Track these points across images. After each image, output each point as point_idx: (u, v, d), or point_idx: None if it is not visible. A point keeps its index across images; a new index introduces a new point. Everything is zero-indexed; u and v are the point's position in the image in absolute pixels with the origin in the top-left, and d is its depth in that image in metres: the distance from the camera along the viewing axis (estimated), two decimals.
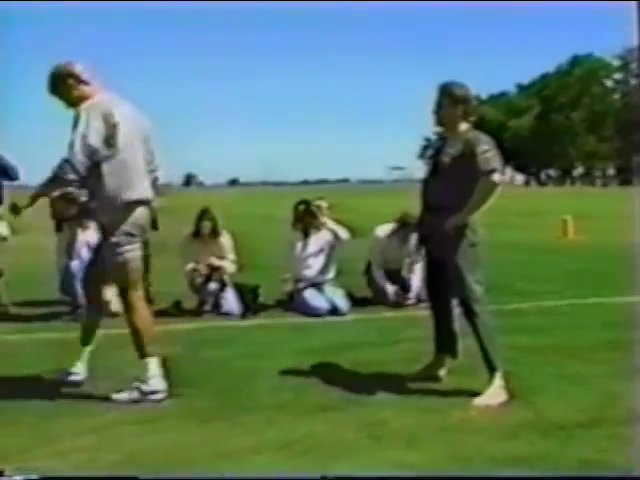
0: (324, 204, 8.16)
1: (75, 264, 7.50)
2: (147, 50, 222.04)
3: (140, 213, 4.65)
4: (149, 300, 6.18)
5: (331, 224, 7.83)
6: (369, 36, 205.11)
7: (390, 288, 7.92)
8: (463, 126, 4.72)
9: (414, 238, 6.74)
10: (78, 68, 4.69)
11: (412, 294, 7.84)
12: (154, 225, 7.49)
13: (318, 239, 7.82)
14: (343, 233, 7.81)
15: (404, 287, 7.94)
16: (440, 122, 4.80)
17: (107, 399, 4.51)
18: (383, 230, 8.09)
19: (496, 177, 4.52)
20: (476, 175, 4.50)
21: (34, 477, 3.22)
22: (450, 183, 4.61)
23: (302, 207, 7.98)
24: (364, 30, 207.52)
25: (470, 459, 3.56)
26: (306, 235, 7.82)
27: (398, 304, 7.83)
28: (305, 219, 7.86)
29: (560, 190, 76.18)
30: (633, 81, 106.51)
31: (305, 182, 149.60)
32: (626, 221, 23.08)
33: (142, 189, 4.66)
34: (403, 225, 7.77)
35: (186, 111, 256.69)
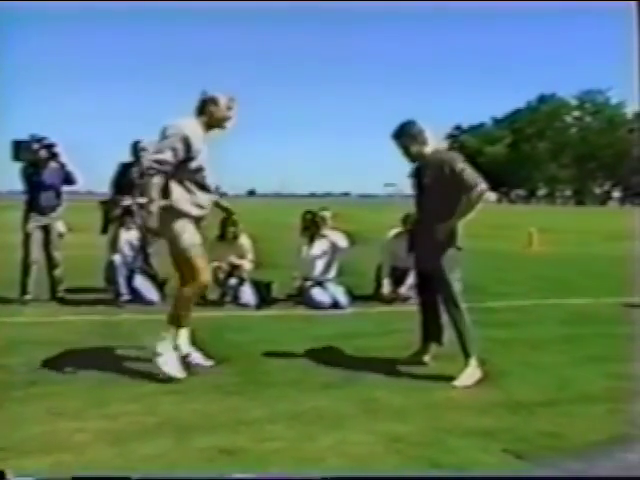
0: (328, 214, 8.13)
1: (117, 258, 7.55)
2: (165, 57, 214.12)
3: None
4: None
5: (332, 235, 7.80)
6: (368, 62, 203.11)
7: (387, 286, 7.81)
8: (428, 150, 4.71)
9: None
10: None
11: (403, 289, 7.83)
12: None
13: (322, 244, 7.83)
14: (342, 242, 7.80)
15: (399, 284, 7.96)
16: (412, 159, 4.79)
17: (146, 372, 4.54)
18: (392, 232, 8.10)
19: (483, 186, 4.51)
20: (458, 190, 4.50)
21: (30, 479, 3.04)
22: (435, 199, 4.62)
23: (309, 216, 7.98)
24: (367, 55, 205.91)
25: (449, 431, 3.58)
26: (312, 240, 7.84)
27: (393, 300, 7.77)
28: (311, 227, 7.88)
29: (527, 207, 75.93)
30: (588, 118, 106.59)
31: (313, 195, 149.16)
32: (581, 235, 23.12)
33: None
34: (409, 228, 7.78)
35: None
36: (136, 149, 7.86)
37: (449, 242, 4.59)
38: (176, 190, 4.46)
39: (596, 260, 13.87)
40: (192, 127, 4.49)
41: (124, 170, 7.89)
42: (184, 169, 4.44)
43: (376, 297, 7.89)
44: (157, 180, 4.36)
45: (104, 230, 8.00)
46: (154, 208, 4.35)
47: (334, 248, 7.78)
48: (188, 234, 4.49)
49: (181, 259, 4.53)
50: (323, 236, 7.79)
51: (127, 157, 8.00)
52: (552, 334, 6.18)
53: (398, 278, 7.89)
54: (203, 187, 4.56)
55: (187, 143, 4.40)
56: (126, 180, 7.77)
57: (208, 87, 4.67)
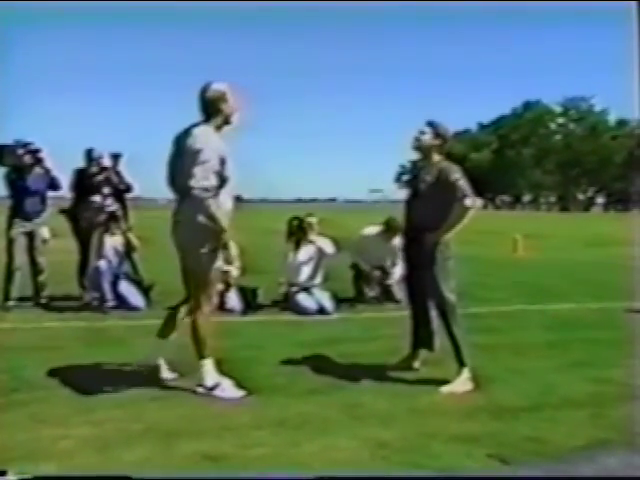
0: (314, 220, 8.15)
1: (103, 264, 7.52)
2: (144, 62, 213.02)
3: None
4: None
5: (319, 241, 7.83)
6: (353, 72, 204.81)
7: (367, 288, 8.19)
8: (436, 157, 4.78)
9: (397, 241, 6.92)
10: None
11: (393, 278, 8.07)
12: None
13: (308, 250, 7.84)
14: (329, 248, 7.82)
15: (382, 285, 8.18)
16: (417, 147, 4.82)
17: (131, 378, 4.53)
18: (370, 230, 8.25)
19: (469, 202, 4.56)
20: (450, 199, 4.56)
21: (27, 477, 3.06)
22: (428, 206, 4.66)
23: (295, 222, 8.00)
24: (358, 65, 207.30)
25: (434, 436, 3.60)
26: (298, 246, 7.85)
27: (377, 300, 8.08)
28: (298, 233, 7.90)
29: (512, 213, 76.28)
30: (572, 125, 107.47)
31: (299, 200, 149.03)
32: (565, 240, 23.28)
33: None
34: (388, 229, 7.93)
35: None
36: (89, 156, 8.04)
37: (439, 252, 4.62)
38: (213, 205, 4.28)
39: (580, 266, 13.98)
40: (218, 140, 4.29)
41: (79, 176, 8.05)
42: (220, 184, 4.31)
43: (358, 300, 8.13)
44: (214, 204, 4.21)
45: (78, 236, 7.98)
46: (225, 227, 4.25)
47: (320, 254, 7.80)
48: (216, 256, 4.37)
49: (200, 279, 4.38)
50: (310, 242, 7.81)
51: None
52: (536, 339, 6.23)
53: (365, 277, 8.21)
54: (222, 200, 4.36)
55: (224, 162, 4.25)
56: (84, 185, 7.93)
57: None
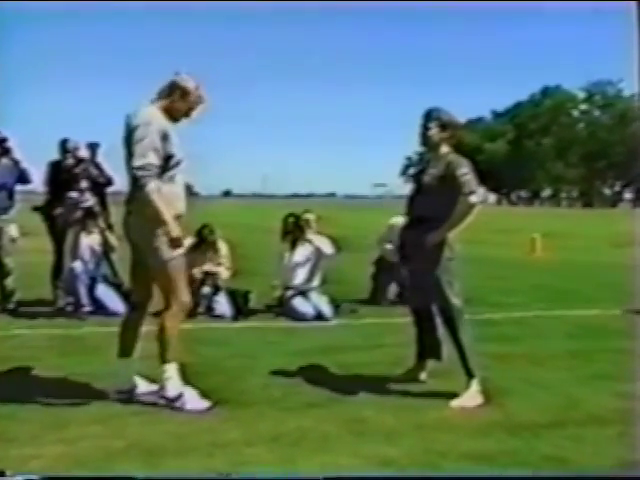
0: (312, 217, 8.17)
1: (78, 266, 7.53)
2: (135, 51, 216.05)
3: None
4: None
5: (317, 240, 7.86)
6: (358, 60, 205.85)
7: (392, 289, 8.31)
8: (445, 148, 4.79)
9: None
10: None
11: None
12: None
13: (305, 250, 7.85)
14: (327, 248, 7.84)
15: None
16: (425, 143, 4.86)
17: (111, 391, 4.54)
18: (398, 220, 8.20)
19: (474, 198, 4.58)
20: (456, 194, 4.57)
21: (34, 477, 3.18)
22: (433, 201, 4.67)
23: (291, 220, 8.02)
24: (357, 53, 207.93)
25: (444, 455, 3.61)
26: (294, 246, 7.87)
27: (395, 303, 8.07)
28: (295, 232, 7.91)
29: (529, 210, 76.54)
30: (597, 112, 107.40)
31: (295, 195, 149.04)
32: (589, 240, 23.33)
33: None
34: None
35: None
36: (64, 147, 7.96)
37: (442, 251, 4.64)
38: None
39: (605, 268, 14.01)
40: (158, 116, 4.37)
41: (54, 169, 8.00)
42: (163, 167, 4.35)
43: (374, 301, 8.29)
44: (152, 186, 4.23)
45: (53, 236, 7.97)
46: (168, 217, 4.25)
47: (318, 254, 7.82)
48: (167, 245, 4.35)
49: (160, 274, 4.43)
50: (307, 241, 7.82)
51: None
52: (556, 349, 6.25)
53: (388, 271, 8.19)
54: (178, 183, 4.46)
55: (164, 137, 4.32)
56: (60, 179, 7.88)
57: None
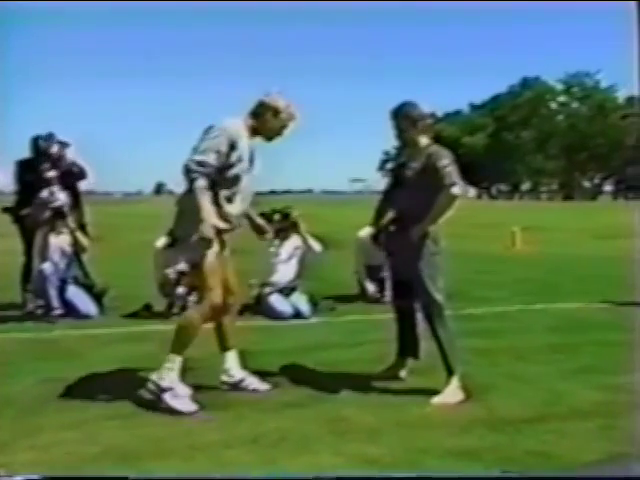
0: (295, 213, 8.18)
1: (48, 267, 7.46)
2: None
3: None
4: None
5: (309, 239, 7.93)
6: (335, 51, 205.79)
7: (370, 286, 8.54)
8: (423, 141, 4.80)
9: None
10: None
11: (387, 292, 8.00)
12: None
13: (288, 247, 7.88)
14: (317, 246, 7.92)
15: (383, 284, 8.24)
16: (405, 144, 4.88)
17: (84, 395, 4.51)
18: (365, 232, 8.29)
19: (456, 190, 4.59)
20: (438, 187, 4.58)
21: (35, 477, 3.19)
22: (414, 195, 4.66)
23: (277, 217, 8.00)
24: (334, 44, 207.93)
25: (426, 452, 3.63)
26: (278, 243, 7.87)
27: (377, 301, 8.30)
28: (289, 229, 7.90)
29: (510, 204, 76.95)
30: (575, 104, 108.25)
31: (272, 192, 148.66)
32: (570, 233, 23.55)
33: None
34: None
35: (155, 120, 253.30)
36: (36, 145, 7.86)
37: (425, 246, 4.66)
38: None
39: (587, 260, 14.17)
40: (239, 129, 4.50)
41: (24, 168, 7.90)
42: (220, 176, 4.42)
43: (363, 299, 8.52)
44: (202, 183, 4.32)
45: (23, 237, 7.89)
46: (207, 215, 4.30)
47: (303, 251, 7.83)
48: (212, 253, 4.45)
49: (195, 270, 4.58)
50: (300, 237, 7.83)
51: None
52: (539, 343, 6.31)
53: (374, 276, 8.50)
54: (232, 200, 4.53)
55: (232, 146, 4.41)
56: (30, 178, 7.79)
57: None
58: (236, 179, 4.49)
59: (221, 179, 4.43)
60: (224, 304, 4.67)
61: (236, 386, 4.78)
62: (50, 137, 7.93)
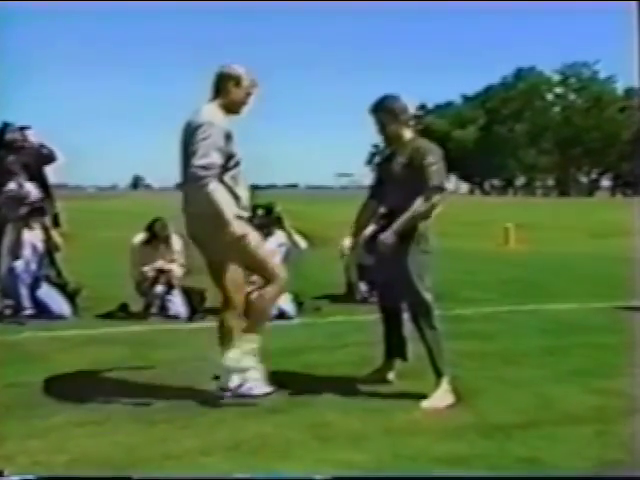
0: (279, 208, 8.17)
1: (19, 265, 7.40)
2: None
3: None
4: None
5: (294, 235, 7.91)
6: (322, 43, 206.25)
7: (362, 286, 8.59)
8: (408, 134, 4.78)
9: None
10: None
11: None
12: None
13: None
14: (302, 242, 7.90)
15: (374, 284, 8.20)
16: (388, 140, 4.87)
17: (53, 401, 4.48)
18: (346, 241, 8.27)
19: (437, 198, 4.56)
20: (425, 184, 4.57)
21: (30, 477, 3.19)
22: (402, 190, 4.64)
23: (261, 212, 7.98)
24: (318, 37, 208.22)
25: (413, 459, 3.63)
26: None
27: (365, 301, 8.33)
28: (273, 224, 7.87)
29: (503, 199, 77.24)
30: (572, 96, 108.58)
31: (255, 187, 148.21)
32: (565, 231, 23.68)
33: None
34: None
35: (132, 113, 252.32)
36: (3, 133, 7.65)
37: (414, 244, 4.65)
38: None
39: (582, 259, 14.25)
40: (222, 116, 4.55)
41: None
42: (225, 167, 4.50)
43: (350, 299, 8.59)
44: (214, 186, 4.36)
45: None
46: (229, 216, 4.36)
47: (288, 249, 7.82)
48: (252, 235, 4.58)
49: (245, 257, 4.64)
50: (286, 233, 7.82)
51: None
52: (530, 345, 6.34)
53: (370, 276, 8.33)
54: (240, 184, 4.63)
55: (229, 137, 4.49)
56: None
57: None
58: (237, 162, 4.57)
59: (226, 167, 4.51)
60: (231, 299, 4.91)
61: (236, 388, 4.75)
62: (6, 125, 7.73)
